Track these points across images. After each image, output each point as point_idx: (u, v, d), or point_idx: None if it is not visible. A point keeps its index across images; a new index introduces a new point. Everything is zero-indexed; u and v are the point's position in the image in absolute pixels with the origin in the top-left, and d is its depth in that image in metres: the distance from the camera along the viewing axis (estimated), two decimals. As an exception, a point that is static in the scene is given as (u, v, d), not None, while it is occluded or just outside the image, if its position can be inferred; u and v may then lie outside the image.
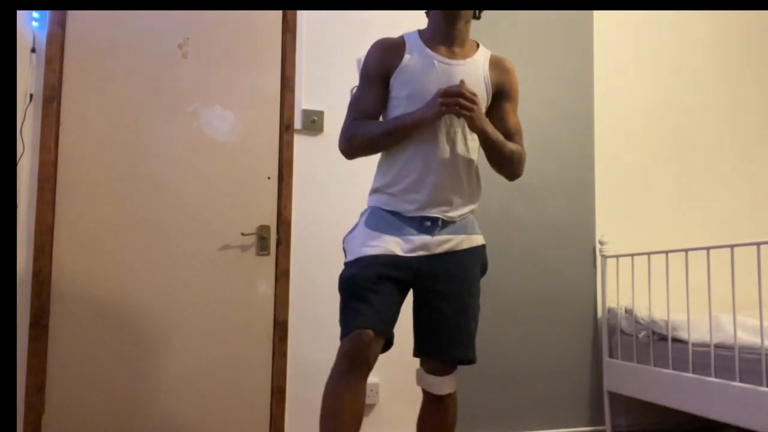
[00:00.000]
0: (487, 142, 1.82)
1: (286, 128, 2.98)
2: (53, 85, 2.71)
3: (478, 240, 1.94)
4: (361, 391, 1.74)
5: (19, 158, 2.66)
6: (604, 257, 3.37)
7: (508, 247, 3.28)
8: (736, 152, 3.79)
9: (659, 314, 3.06)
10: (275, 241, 2.95)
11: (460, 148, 1.85)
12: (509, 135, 1.90)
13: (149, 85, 2.86)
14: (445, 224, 1.86)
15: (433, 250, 1.83)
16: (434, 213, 1.84)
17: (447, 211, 1.86)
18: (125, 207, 2.80)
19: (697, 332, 2.81)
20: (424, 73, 1.82)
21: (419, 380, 1.88)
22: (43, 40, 2.71)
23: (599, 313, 3.40)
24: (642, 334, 3.07)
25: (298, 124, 3.00)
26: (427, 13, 1.95)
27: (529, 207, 3.34)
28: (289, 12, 3.04)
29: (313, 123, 3.01)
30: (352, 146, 1.87)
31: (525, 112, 3.36)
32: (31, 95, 2.69)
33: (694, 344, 2.78)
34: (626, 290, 3.27)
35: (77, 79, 2.78)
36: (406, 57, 1.85)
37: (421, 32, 1.92)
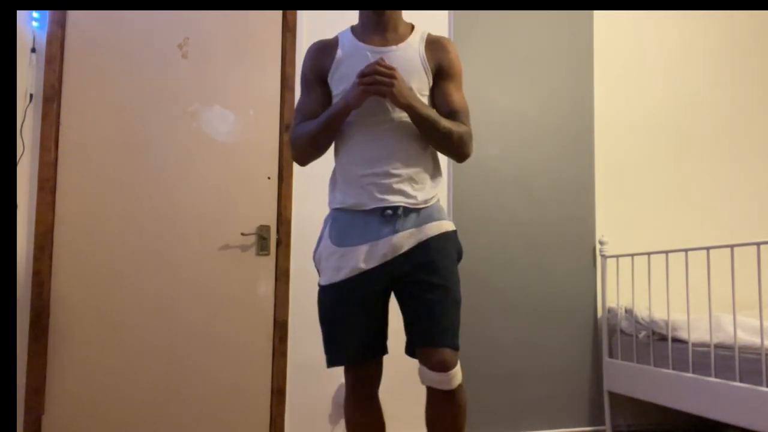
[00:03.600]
0: (416, 119, 1.75)
1: (286, 128, 2.98)
2: (53, 85, 2.71)
3: (448, 226, 1.85)
4: (373, 407, 1.88)
5: (19, 158, 2.66)
6: (604, 257, 3.37)
7: (508, 247, 3.28)
8: (737, 152, 3.79)
9: (659, 314, 3.06)
10: (275, 241, 2.95)
11: (407, 128, 1.79)
12: (453, 114, 1.83)
13: (149, 85, 2.86)
14: (408, 212, 1.77)
15: (403, 249, 1.76)
16: (394, 200, 1.76)
17: (407, 197, 1.78)
18: (125, 207, 2.80)
19: (697, 332, 2.81)
20: (357, 66, 1.76)
21: (424, 379, 1.75)
22: (43, 40, 2.71)
23: (599, 313, 3.40)
24: (642, 334, 3.07)
25: (298, 124, 3.00)
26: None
27: (529, 207, 3.34)
28: (289, 12, 3.04)
29: (313, 123, 3.01)
30: (297, 150, 1.87)
31: (525, 113, 3.39)
32: (31, 95, 2.69)
33: (694, 344, 2.78)
34: (626, 290, 3.27)
35: (77, 79, 2.78)
36: (339, 54, 1.84)
37: (353, 27, 1.90)
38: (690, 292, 2.87)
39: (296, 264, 2.95)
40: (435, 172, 1.88)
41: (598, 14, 3.57)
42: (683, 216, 3.63)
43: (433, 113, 1.77)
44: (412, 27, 1.90)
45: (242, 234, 2.91)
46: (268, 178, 2.96)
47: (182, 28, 2.92)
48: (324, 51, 1.87)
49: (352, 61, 1.81)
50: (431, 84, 1.86)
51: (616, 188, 3.52)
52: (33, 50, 2.70)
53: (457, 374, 1.73)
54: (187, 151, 2.89)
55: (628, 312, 3.20)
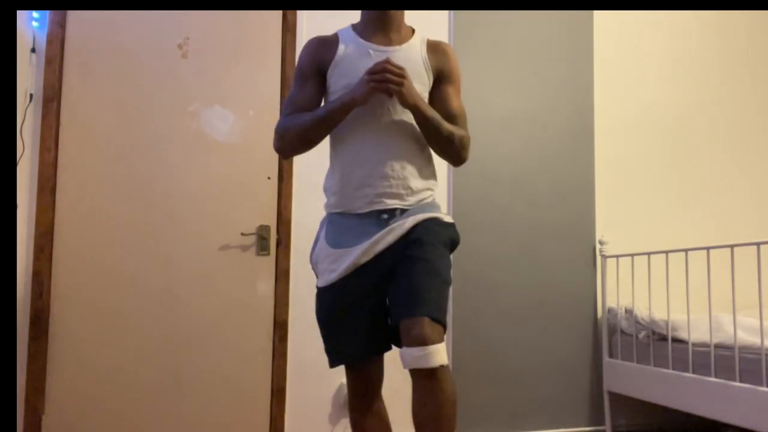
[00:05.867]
0: (421, 120, 1.75)
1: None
2: (53, 85, 2.71)
3: (441, 215, 1.83)
4: (377, 408, 1.86)
5: (19, 158, 2.66)
6: (604, 257, 3.37)
7: (508, 247, 3.28)
8: (736, 152, 3.79)
9: (659, 314, 3.06)
10: (275, 241, 2.95)
11: (405, 129, 1.79)
12: (451, 118, 1.83)
13: (149, 85, 2.86)
14: (404, 212, 1.78)
15: (394, 239, 1.74)
16: (390, 204, 1.77)
17: (402, 200, 1.78)
18: (125, 207, 2.80)
19: (697, 332, 2.81)
20: (359, 63, 1.77)
21: (405, 362, 1.62)
22: (43, 40, 2.71)
23: (599, 313, 3.40)
24: (642, 334, 3.07)
25: (298, 124, 3.00)
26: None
27: (529, 207, 3.34)
28: (289, 12, 3.04)
29: (313, 123, 3.01)
30: (285, 141, 1.81)
31: (525, 112, 3.38)
32: (31, 95, 2.69)
33: (694, 344, 2.78)
34: (626, 290, 3.27)
35: (77, 79, 2.78)
36: (341, 49, 1.82)
37: (354, 25, 1.89)
38: (690, 292, 2.87)
39: (296, 264, 2.95)
40: (430, 172, 1.87)
41: (598, 14, 3.57)
42: (683, 216, 3.63)
43: (437, 115, 1.77)
44: (413, 31, 1.91)
45: (242, 234, 2.91)
46: (268, 178, 2.96)
47: (182, 28, 2.92)
48: (324, 46, 1.85)
49: (354, 58, 1.80)
50: (431, 86, 1.86)
51: (616, 188, 3.52)
52: (33, 50, 2.70)
53: (438, 351, 1.58)
54: (187, 151, 2.89)
55: (628, 312, 3.20)
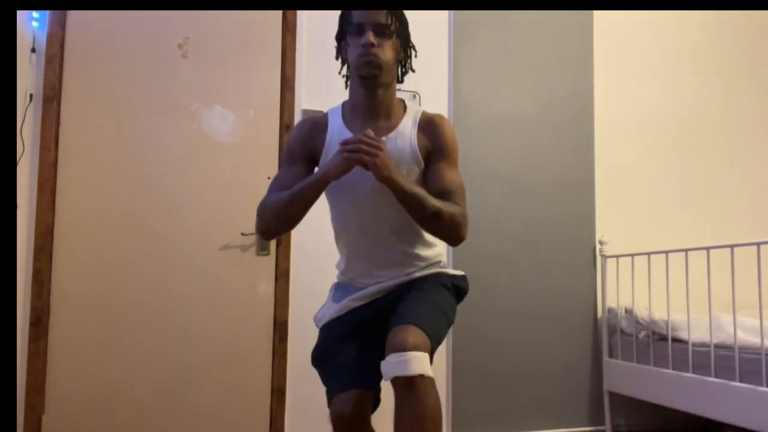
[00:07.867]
0: (400, 195, 1.61)
1: (286, 128, 2.98)
2: (53, 85, 2.72)
3: (447, 270, 1.83)
4: None
5: (19, 158, 2.66)
6: (604, 257, 3.37)
7: (508, 247, 3.28)
8: (736, 152, 3.79)
9: (659, 314, 3.06)
10: (275, 241, 2.95)
11: (402, 220, 1.73)
12: (444, 194, 1.69)
13: (149, 85, 2.86)
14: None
15: (395, 285, 1.78)
16: (396, 278, 1.79)
17: (408, 268, 1.80)
18: (125, 207, 2.80)
19: (697, 332, 2.81)
20: None
21: (386, 371, 1.51)
22: (43, 40, 2.71)
23: (599, 313, 3.40)
24: (642, 334, 3.08)
25: (298, 124, 3.00)
26: (346, 83, 1.82)
27: (529, 207, 3.34)
28: (289, 12, 3.04)
29: (313, 123, 3.01)
30: (263, 219, 1.71)
31: (525, 113, 3.38)
32: (31, 95, 2.69)
33: (694, 344, 2.78)
34: (626, 290, 3.27)
35: (77, 79, 2.78)
36: (328, 141, 1.75)
37: (344, 107, 1.81)
38: (690, 292, 2.87)
39: (296, 264, 2.95)
40: (433, 252, 1.85)
41: (598, 14, 3.57)
42: (683, 216, 3.63)
43: (419, 190, 1.63)
44: (405, 107, 1.80)
45: (242, 234, 2.91)
46: (268, 178, 2.96)
47: (182, 28, 2.92)
48: (315, 130, 1.79)
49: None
50: (422, 170, 1.76)
51: (616, 188, 3.52)
52: (33, 50, 2.70)
53: (418, 358, 1.46)
54: (187, 151, 2.89)
55: (628, 312, 3.20)
